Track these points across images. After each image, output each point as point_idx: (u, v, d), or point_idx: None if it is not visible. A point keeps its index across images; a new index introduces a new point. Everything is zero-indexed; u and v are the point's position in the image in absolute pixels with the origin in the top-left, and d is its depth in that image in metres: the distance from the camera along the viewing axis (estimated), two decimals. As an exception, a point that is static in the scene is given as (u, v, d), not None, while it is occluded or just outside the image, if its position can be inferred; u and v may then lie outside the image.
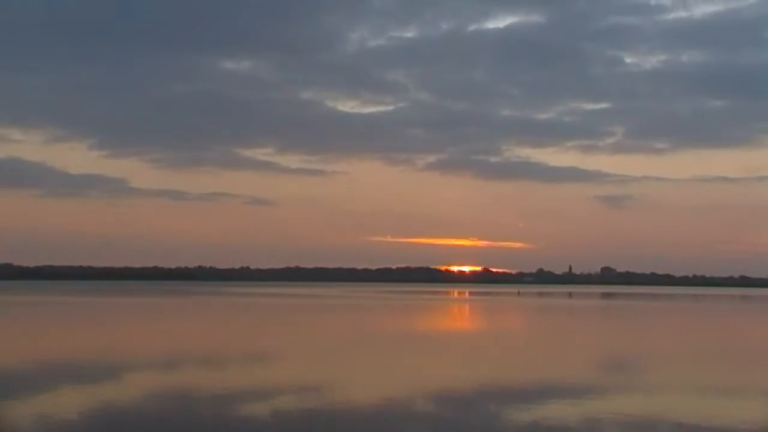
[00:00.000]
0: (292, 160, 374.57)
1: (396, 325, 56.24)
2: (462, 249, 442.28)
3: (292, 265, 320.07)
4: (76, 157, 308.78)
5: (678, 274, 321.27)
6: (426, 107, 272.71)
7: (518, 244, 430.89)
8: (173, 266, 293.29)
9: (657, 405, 20.53)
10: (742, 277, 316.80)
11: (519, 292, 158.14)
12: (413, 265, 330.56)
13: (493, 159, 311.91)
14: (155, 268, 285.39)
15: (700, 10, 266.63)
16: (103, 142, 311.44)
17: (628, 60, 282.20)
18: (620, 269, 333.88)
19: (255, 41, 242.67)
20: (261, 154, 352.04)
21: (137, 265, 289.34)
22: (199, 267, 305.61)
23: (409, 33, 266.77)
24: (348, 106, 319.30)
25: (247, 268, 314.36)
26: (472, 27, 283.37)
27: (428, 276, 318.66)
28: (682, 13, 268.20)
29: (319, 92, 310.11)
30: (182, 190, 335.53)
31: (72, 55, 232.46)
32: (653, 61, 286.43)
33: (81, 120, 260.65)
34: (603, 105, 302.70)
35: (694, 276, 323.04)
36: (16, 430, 16.33)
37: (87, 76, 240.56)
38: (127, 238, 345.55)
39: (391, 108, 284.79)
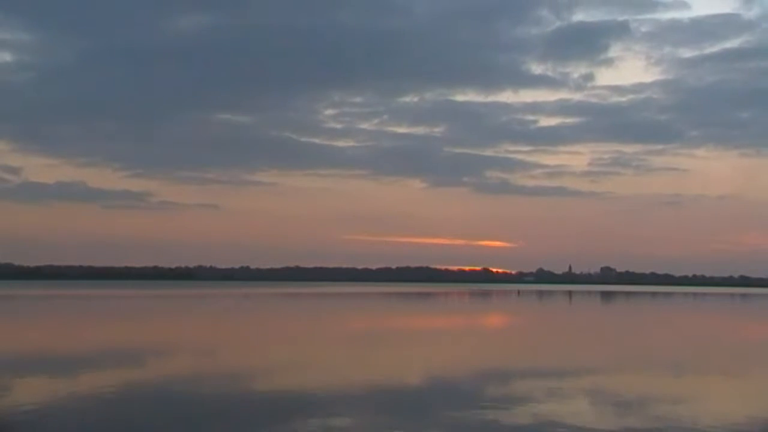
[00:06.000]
0: (294, 178, 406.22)
1: (398, 324, 56.49)
2: (462, 249, 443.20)
3: (292, 265, 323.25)
4: (116, 179, 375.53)
5: (678, 273, 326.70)
6: (382, 146, 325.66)
7: (518, 244, 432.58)
8: (173, 266, 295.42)
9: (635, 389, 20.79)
10: (742, 277, 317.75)
11: (519, 292, 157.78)
12: (413, 264, 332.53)
13: (475, 179, 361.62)
14: (155, 267, 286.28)
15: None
16: (134, 167, 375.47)
17: (542, 122, 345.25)
18: (620, 269, 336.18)
19: (250, 104, 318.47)
20: (266, 176, 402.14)
21: (137, 264, 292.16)
22: (199, 267, 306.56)
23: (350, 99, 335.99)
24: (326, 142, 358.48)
25: (247, 267, 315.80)
26: (418, 98, 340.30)
27: (428, 275, 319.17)
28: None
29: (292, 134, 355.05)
30: (212, 203, 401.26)
31: (105, 113, 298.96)
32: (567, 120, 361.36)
33: (117, 156, 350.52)
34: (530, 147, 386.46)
35: (694, 276, 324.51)
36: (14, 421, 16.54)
37: (120, 126, 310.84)
38: (128, 238, 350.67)
39: (357, 145, 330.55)
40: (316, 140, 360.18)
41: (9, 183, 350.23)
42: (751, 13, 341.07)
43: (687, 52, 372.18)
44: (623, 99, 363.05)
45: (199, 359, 28.55)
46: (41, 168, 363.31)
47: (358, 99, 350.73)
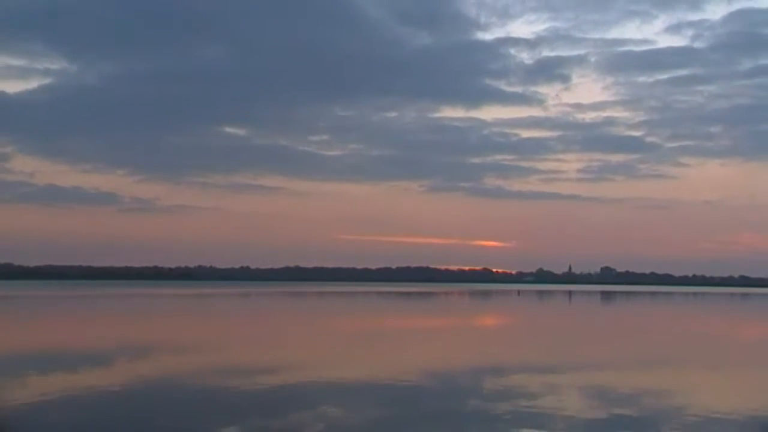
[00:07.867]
0: (294, 182, 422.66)
1: (398, 322, 56.57)
2: (462, 249, 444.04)
3: (292, 265, 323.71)
4: (127, 185, 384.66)
5: (678, 273, 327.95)
6: (376, 154, 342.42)
7: (517, 244, 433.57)
8: (173, 266, 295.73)
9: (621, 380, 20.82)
10: (742, 277, 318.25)
11: (519, 292, 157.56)
12: (413, 264, 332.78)
13: (472, 184, 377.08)
14: (155, 267, 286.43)
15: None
16: (143, 173, 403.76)
17: (523, 135, 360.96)
18: (620, 269, 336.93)
19: (247, 117, 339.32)
20: (268, 181, 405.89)
21: (137, 264, 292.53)
22: (199, 267, 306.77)
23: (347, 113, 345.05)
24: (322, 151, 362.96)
25: (247, 267, 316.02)
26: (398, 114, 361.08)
27: (428, 275, 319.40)
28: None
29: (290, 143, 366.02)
30: (216, 206, 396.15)
31: (116, 125, 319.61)
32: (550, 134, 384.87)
33: (128, 163, 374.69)
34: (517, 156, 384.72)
35: (694, 276, 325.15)
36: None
37: (132, 137, 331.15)
38: (129, 239, 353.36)
39: (353, 153, 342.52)
40: (313, 149, 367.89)
41: (32, 187, 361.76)
42: (699, 44, 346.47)
43: (642, 77, 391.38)
44: (591, 116, 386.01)
45: (199, 357, 28.57)
46: (57, 174, 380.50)
47: (350, 113, 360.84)
